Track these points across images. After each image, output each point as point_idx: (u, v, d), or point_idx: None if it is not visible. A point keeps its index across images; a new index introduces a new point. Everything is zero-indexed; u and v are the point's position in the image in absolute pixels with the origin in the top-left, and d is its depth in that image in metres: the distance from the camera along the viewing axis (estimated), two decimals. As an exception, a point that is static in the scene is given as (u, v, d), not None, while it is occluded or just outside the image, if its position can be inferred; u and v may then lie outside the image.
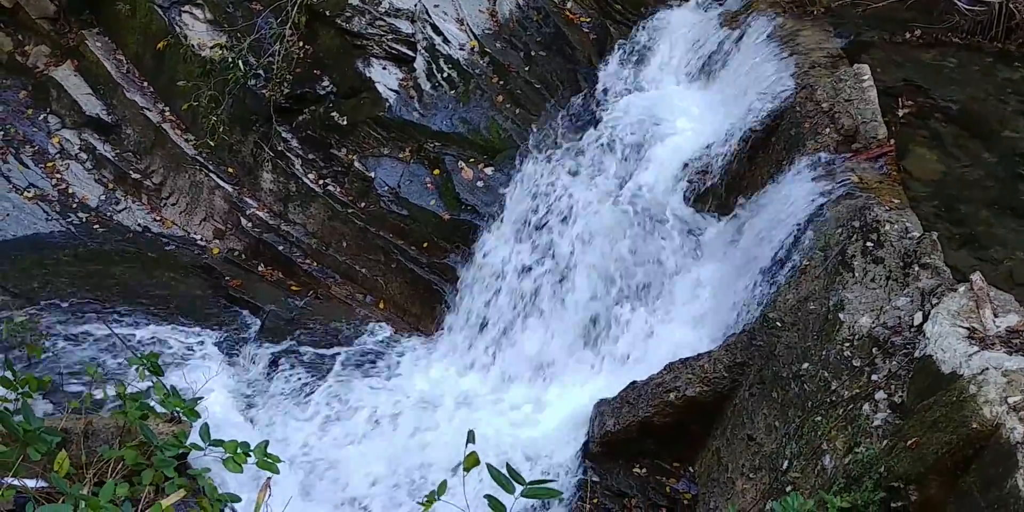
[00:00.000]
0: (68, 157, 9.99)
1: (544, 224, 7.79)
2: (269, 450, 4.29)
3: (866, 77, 6.63)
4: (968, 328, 4.44)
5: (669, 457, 6.38)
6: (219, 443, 4.24)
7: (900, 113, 6.67)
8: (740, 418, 5.80)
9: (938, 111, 6.78)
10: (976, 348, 4.28)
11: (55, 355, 7.75)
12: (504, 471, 3.11)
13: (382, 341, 8.28)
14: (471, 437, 3.36)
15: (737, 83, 7.60)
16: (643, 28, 8.66)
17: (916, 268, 5.13)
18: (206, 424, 4.32)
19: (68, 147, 10.04)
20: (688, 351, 6.45)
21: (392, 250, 8.72)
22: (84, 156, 10.01)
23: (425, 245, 8.58)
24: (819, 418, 5.01)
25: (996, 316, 4.48)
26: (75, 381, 7.30)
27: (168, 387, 4.63)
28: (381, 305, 8.80)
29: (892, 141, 6.25)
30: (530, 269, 7.75)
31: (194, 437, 4.38)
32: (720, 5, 8.49)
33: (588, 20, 8.99)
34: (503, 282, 7.86)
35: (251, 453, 4.23)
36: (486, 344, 7.88)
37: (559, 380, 7.49)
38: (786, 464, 5.12)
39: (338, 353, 8.10)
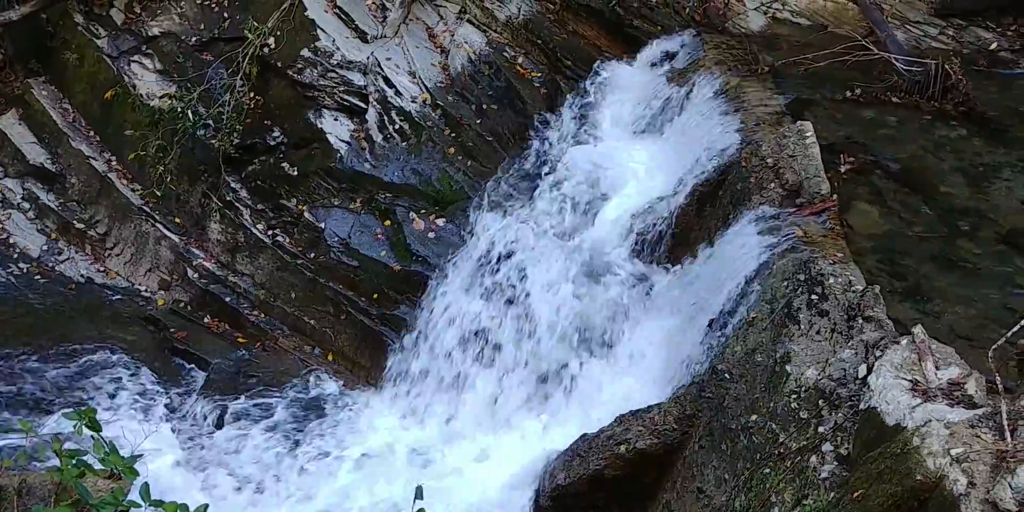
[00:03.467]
0: (10, 206, 9.80)
1: (494, 276, 7.79)
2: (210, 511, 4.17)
3: (809, 134, 6.79)
4: (911, 380, 4.50)
5: (620, 511, 6.33)
6: (159, 503, 4.11)
7: (842, 169, 6.82)
8: (690, 470, 5.78)
9: (879, 168, 6.96)
10: (919, 400, 4.34)
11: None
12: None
13: (330, 394, 8.16)
14: (419, 493, 3.31)
15: (685, 138, 7.74)
16: (593, 83, 8.81)
17: (860, 321, 5.20)
18: (146, 483, 4.19)
19: (10, 196, 9.86)
20: (638, 403, 6.44)
21: (342, 301, 8.64)
22: (27, 205, 9.84)
23: (375, 296, 8.53)
24: (768, 470, 5.01)
25: (938, 369, 4.56)
26: (11, 436, 7.07)
27: (107, 444, 4.49)
28: (330, 357, 8.70)
29: (835, 196, 6.38)
30: (480, 321, 7.73)
31: (133, 495, 4.25)
32: (668, 63, 8.68)
33: (539, 75, 9.13)
34: (453, 333, 7.82)
35: (192, 514, 4.11)
36: (435, 396, 7.80)
37: (508, 432, 7.42)
38: (736, 518, 5.11)
39: (285, 407, 7.96)
